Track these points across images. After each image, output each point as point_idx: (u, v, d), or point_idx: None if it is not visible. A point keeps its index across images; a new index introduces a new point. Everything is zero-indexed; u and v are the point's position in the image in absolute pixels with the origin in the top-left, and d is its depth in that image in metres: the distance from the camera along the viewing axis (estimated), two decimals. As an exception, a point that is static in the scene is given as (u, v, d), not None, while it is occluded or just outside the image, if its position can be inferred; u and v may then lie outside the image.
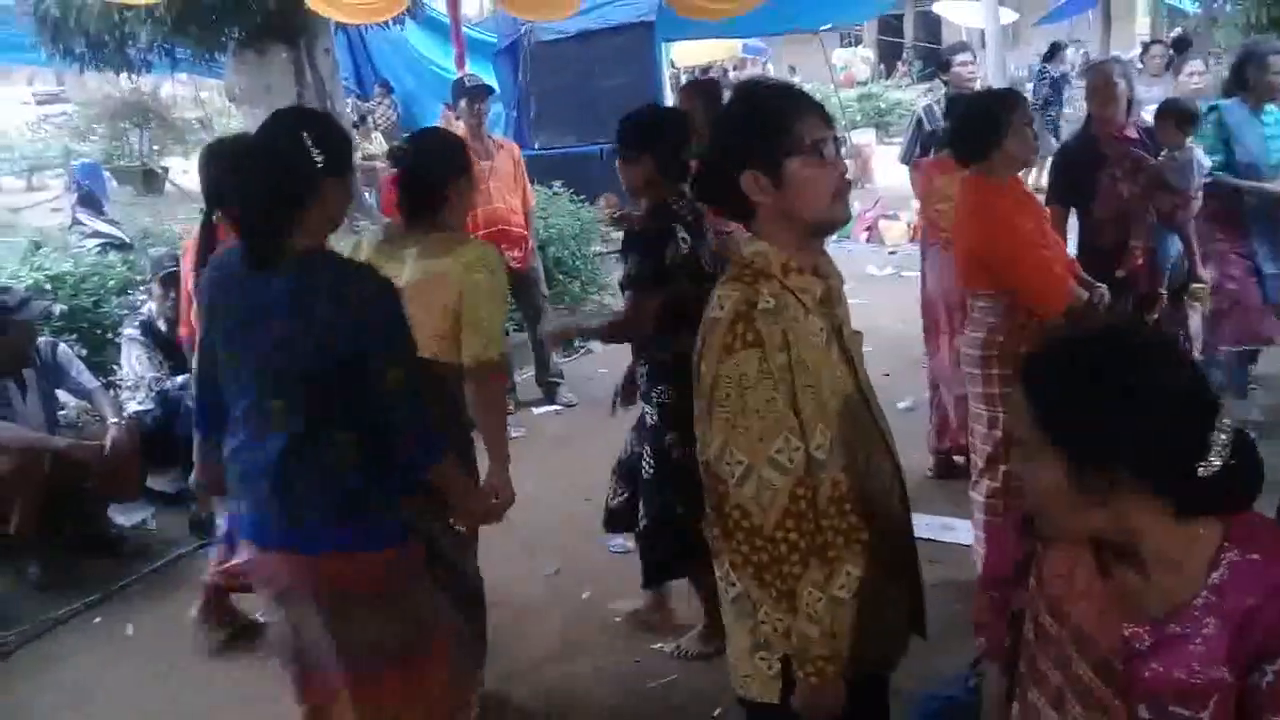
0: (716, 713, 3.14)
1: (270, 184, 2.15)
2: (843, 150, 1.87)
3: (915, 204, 8.68)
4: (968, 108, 3.60)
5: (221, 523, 3.66)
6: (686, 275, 3.05)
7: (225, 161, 3.50)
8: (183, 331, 4.05)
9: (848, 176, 1.86)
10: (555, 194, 7.99)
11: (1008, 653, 1.56)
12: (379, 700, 2.36)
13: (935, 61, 7.98)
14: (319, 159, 2.15)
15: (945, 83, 5.94)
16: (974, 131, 3.40)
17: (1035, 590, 1.48)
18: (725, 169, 1.87)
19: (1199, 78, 6.00)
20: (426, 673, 2.43)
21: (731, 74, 16.91)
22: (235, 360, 2.26)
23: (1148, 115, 5.21)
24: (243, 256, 2.20)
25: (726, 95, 2.85)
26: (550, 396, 6.23)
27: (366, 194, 10.03)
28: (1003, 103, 3.42)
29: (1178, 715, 1.33)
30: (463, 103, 5.84)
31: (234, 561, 3.52)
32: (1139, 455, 1.27)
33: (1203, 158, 4.69)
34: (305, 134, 2.16)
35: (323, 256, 2.23)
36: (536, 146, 9.76)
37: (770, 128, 1.82)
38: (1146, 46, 10.92)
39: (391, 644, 2.34)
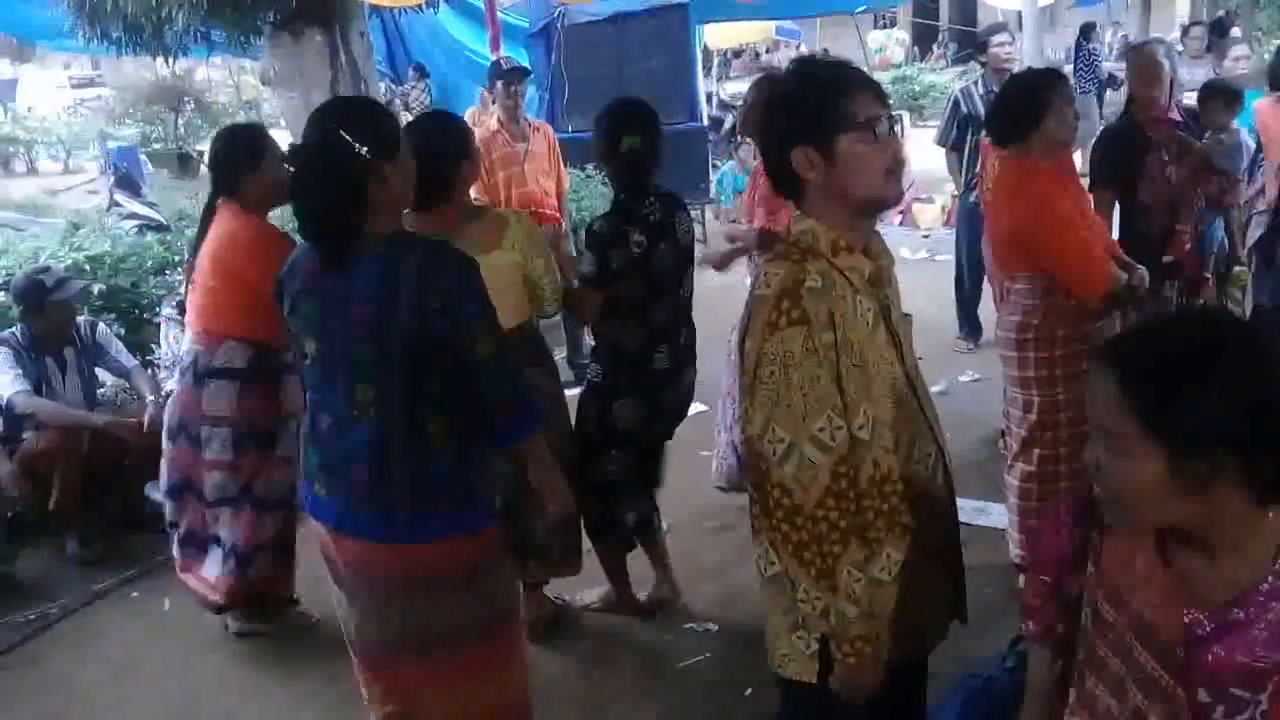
0: (747, 693, 3.14)
1: (325, 191, 2.14)
2: (898, 130, 1.84)
3: (950, 187, 8.61)
4: (1007, 87, 3.55)
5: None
6: (637, 278, 3.25)
7: (237, 148, 3.51)
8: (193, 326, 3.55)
9: (901, 156, 1.84)
10: (588, 177, 7.97)
11: (1060, 638, 1.54)
12: (451, 685, 2.38)
13: (971, 43, 7.89)
14: (364, 150, 2.14)
15: (982, 64, 5.88)
16: (1012, 111, 3.35)
17: (1094, 577, 1.46)
18: (777, 146, 1.85)
19: (1244, 62, 5.90)
20: (501, 653, 2.45)
21: (764, 57, 16.82)
22: (320, 351, 2.27)
23: (1189, 98, 5.15)
24: (317, 257, 2.21)
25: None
26: (581, 378, 6.23)
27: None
28: (1043, 82, 3.37)
29: (1238, 697, 1.32)
30: (499, 85, 5.84)
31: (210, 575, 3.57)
32: (1248, 443, 1.25)
33: (1249, 140, 4.62)
34: (343, 130, 2.14)
35: (402, 239, 2.22)
36: (570, 130, 9.73)
37: (822, 104, 1.80)
38: (1186, 29, 10.76)
39: (469, 628, 2.35)
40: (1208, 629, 1.34)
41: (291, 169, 2.22)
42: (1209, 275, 4.51)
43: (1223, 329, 1.33)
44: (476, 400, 2.21)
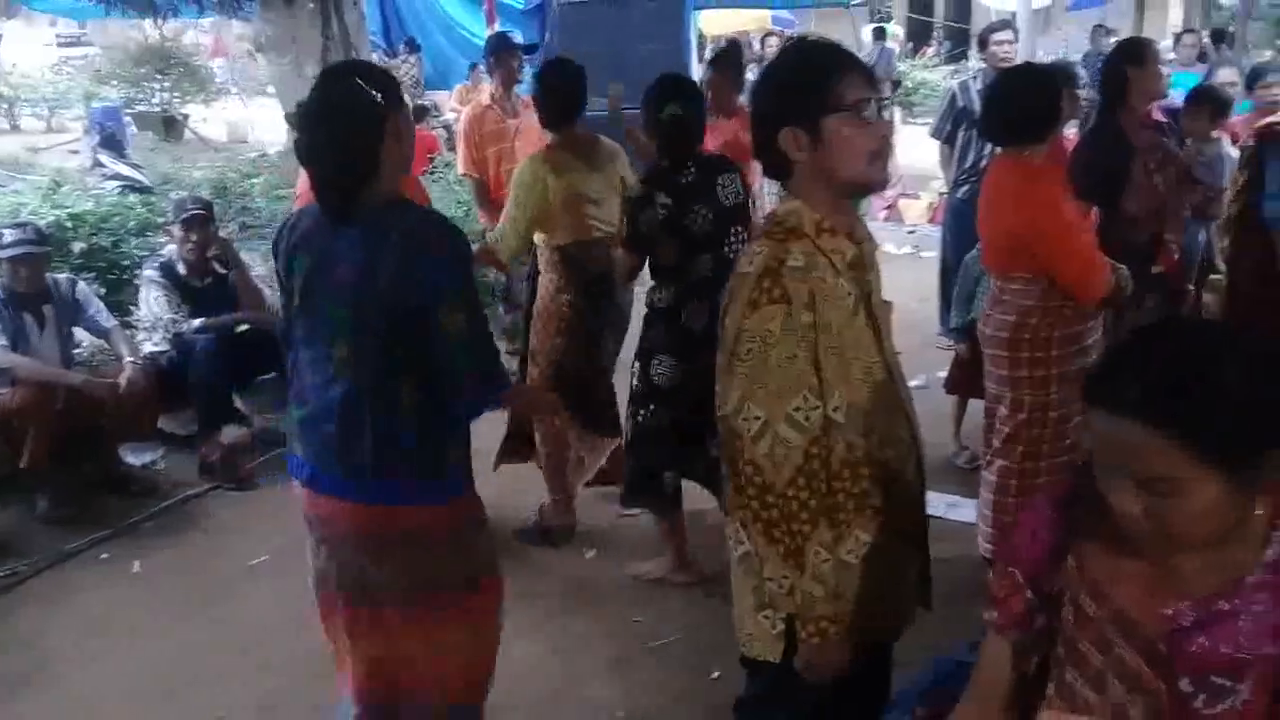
0: (715, 675, 3.16)
1: (342, 134, 2.15)
2: (886, 115, 1.85)
3: (936, 184, 8.63)
4: (1013, 85, 3.40)
5: None
6: (670, 239, 3.43)
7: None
8: None
9: (889, 139, 1.84)
10: (577, 157, 7.95)
11: (1039, 631, 1.53)
12: (430, 634, 2.37)
13: (965, 42, 7.90)
14: (379, 96, 2.15)
15: (984, 60, 5.88)
16: (1027, 111, 3.24)
17: (1075, 572, 1.46)
18: (765, 125, 1.86)
19: (1233, 90, 5.78)
20: (482, 604, 2.45)
21: (756, 47, 16.73)
22: (307, 308, 2.27)
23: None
24: (321, 211, 2.22)
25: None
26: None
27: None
28: (1058, 82, 3.27)
29: (1219, 685, 1.33)
30: (505, 58, 5.77)
31: None
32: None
33: (1231, 150, 4.61)
34: (358, 78, 2.17)
35: (395, 205, 2.21)
36: (559, 109, 9.70)
37: (811, 84, 1.81)
38: (1178, 36, 10.82)
39: (449, 578, 2.35)
40: (1191, 619, 1.34)
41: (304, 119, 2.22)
42: (1192, 287, 4.48)
43: (1216, 335, 1.32)
44: (446, 371, 2.21)
